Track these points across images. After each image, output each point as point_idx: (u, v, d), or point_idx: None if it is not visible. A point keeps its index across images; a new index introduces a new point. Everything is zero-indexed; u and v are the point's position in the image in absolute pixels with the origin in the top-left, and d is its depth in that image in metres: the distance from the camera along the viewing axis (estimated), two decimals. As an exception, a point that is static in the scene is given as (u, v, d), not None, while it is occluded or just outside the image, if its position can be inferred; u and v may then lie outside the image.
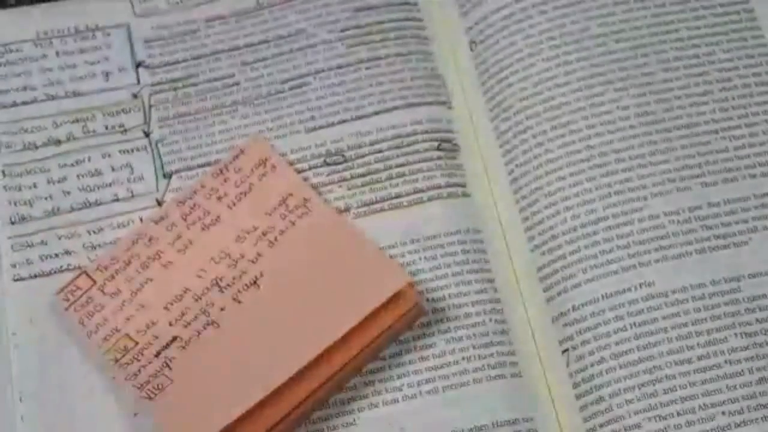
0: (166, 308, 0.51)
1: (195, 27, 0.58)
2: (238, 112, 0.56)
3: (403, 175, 0.54)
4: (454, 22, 0.59)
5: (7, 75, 0.57)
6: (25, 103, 0.56)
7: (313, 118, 0.56)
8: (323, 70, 0.57)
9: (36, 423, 0.50)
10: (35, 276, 0.52)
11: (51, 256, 0.53)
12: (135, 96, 0.57)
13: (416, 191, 0.54)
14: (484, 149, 0.56)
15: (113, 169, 0.55)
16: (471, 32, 0.58)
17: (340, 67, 0.57)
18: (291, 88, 0.57)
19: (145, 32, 0.58)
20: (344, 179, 0.54)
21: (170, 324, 0.50)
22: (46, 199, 0.54)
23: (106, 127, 0.56)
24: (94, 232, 0.53)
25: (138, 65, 0.57)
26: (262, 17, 0.58)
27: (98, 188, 0.54)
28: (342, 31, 0.58)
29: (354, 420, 0.49)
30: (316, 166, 0.55)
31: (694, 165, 0.53)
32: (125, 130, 0.56)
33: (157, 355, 0.49)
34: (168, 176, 0.55)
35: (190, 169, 0.55)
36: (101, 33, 0.58)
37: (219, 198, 0.53)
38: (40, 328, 0.51)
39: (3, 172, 0.55)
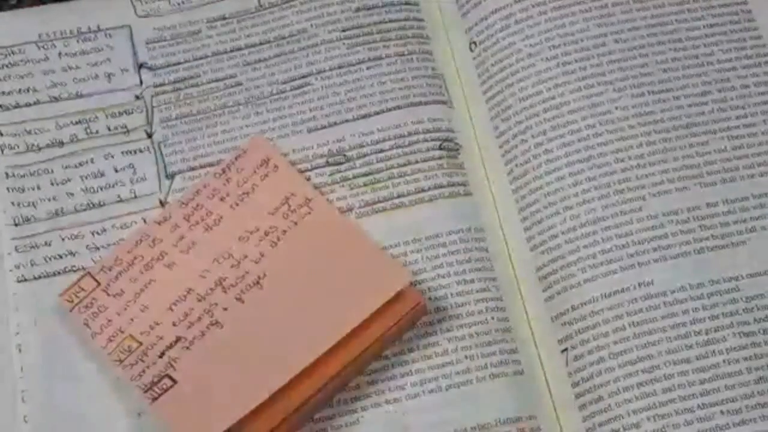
0: (169, 309, 0.51)
1: (197, 28, 0.58)
2: (240, 112, 0.56)
3: (404, 174, 0.55)
4: (454, 22, 0.59)
5: (10, 77, 0.57)
6: (28, 104, 0.56)
7: (314, 118, 0.56)
8: (324, 71, 0.57)
9: (39, 423, 0.50)
10: (39, 277, 0.53)
11: (55, 257, 0.53)
12: (137, 97, 0.57)
13: (418, 191, 0.54)
14: (483, 149, 0.56)
15: (116, 170, 0.55)
16: (471, 32, 0.58)
17: (341, 67, 0.57)
18: (293, 89, 0.57)
19: (147, 33, 0.58)
20: (346, 179, 0.55)
21: (174, 324, 0.50)
22: (49, 200, 0.54)
23: (109, 129, 0.56)
24: (98, 233, 0.54)
25: (140, 66, 0.57)
26: (263, 18, 0.58)
27: (101, 189, 0.55)
28: (343, 31, 0.58)
29: (357, 419, 0.50)
30: (318, 166, 0.55)
31: (693, 165, 0.53)
32: (128, 131, 0.56)
33: (161, 355, 0.50)
34: (171, 177, 0.55)
35: (192, 169, 0.55)
36: (103, 34, 0.58)
37: (221, 198, 0.53)
38: (44, 328, 0.52)
39: (6, 173, 0.55)
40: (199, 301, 0.51)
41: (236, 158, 0.54)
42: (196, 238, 0.53)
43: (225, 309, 0.50)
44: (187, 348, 0.50)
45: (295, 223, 0.53)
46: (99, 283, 0.52)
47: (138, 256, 0.52)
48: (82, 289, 0.52)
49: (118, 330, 0.50)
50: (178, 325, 0.50)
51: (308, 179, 0.54)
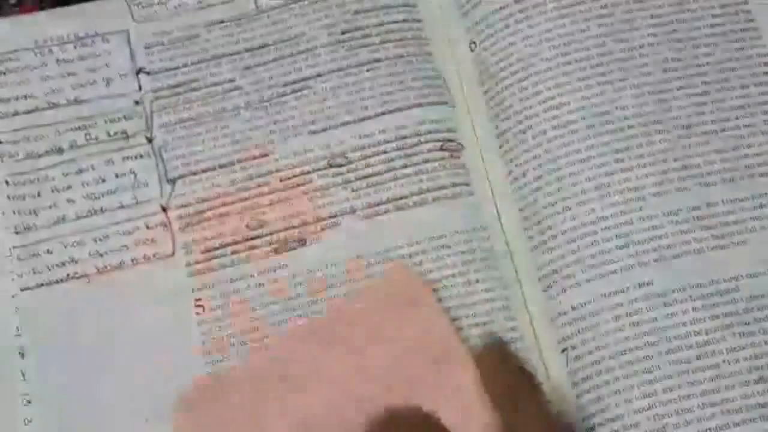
0: None
1: (195, 32, 0.58)
2: (240, 116, 0.56)
3: (407, 175, 0.55)
4: (454, 22, 0.59)
5: (8, 84, 0.57)
6: (26, 111, 0.56)
7: (315, 120, 0.56)
8: (324, 73, 0.57)
9: (40, 427, 0.50)
10: (42, 285, 0.53)
11: (57, 265, 0.53)
12: (137, 102, 0.57)
13: (420, 192, 0.54)
14: (484, 149, 0.56)
15: (117, 176, 0.55)
16: (471, 32, 0.58)
17: (340, 69, 0.57)
18: (293, 91, 0.57)
19: (145, 38, 0.58)
20: (348, 181, 0.55)
21: None
22: (50, 207, 0.54)
23: (109, 134, 0.56)
24: (100, 239, 0.54)
25: (139, 71, 0.57)
26: (261, 21, 0.58)
27: (102, 195, 0.55)
28: (342, 33, 0.58)
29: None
30: (319, 169, 0.55)
31: (693, 165, 0.53)
32: (128, 137, 0.56)
33: None
34: (172, 182, 0.55)
35: (194, 174, 0.55)
36: (100, 39, 0.58)
37: (356, 325, 0.51)
38: (46, 334, 0.52)
39: (6, 181, 0.55)
40: None
41: (377, 283, 0.52)
42: (324, 365, 0.50)
43: None
44: None
45: (431, 375, 0.49)
46: (220, 389, 0.50)
47: (264, 369, 0.50)
48: (202, 392, 0.50)
49: None
50: None
51: (311, 182, 0.55)
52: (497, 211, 0.55)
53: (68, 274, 0.53)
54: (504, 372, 0.48)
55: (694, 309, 0.50)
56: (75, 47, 0.58)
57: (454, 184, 0.55)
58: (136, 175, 0.55)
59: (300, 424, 0.49)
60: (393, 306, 0.51)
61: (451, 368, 0.49)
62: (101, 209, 0.54)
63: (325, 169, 0.55)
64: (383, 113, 0.56)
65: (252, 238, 0.54)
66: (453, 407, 0.47)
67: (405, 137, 0.55)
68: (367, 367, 0.49)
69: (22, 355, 0.52)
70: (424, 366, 0.49)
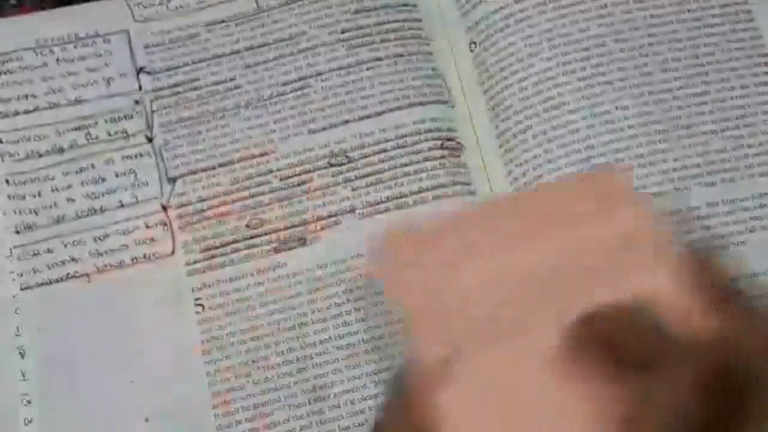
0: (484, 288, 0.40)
1: (195, 31, 0.58)
2: (240, 114, 0.56)
3: (407, 174, 0.55)
4: (453, 22, 0.58)
5: (8, 84, 0.57)
6: (27, 111, 0.56)
7: (315, 119, 0.56)
8: (324, 72, 0.57)
9: (40, 427, 0.50)
10: (42, 284, 0.53)
11: (57, 264, 0.53)
12: (137, 102, 0.57)
13: (421, 190, 0.54)
14: (484, 149, 0.56)
15: (117, 176, 0.55)
16: (471, 32, 0.58)
17: (341, 68, 0.57)
18: (293, 90, 0.57)
19: (145, 38, 0.58)
20: (348, 180, 0.55)
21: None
22: (50, 207, 0.54)
23: (109, 134, 0.56)
24: (100, 238, 0.54)
25: (139, 71, 0.57)
26: (262, 20, 0.58)
27: (103, 195, 0.55)
28: (342, 32, 0.58)
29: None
30: (320, 168, 0.55)
31: (693, 165, 0.53)
32: (128, 136, 0.56)
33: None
34: (172, 181, 0.55)
35: (193, 173, 0.55)
36: (101, 40, 0.58)
37: (562, 207, 0.43)
38: (48, 335, 0.52)
39: (7, 181, 0.55)
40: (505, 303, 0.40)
41: (580, 180, 0.46)
42: (526, 237, 0.42)
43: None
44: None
45: (641, 270, 0.41)
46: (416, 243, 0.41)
47: (466, 224, 0.42)
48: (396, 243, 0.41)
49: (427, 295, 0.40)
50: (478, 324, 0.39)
51: (311, 180, 0.55)
52: (497, 211, 0.55)
53: (68, 274, 0.53)
54: (715, 279, 0.45)
55: (693, 309, 0.50)
56: (75, 47, 0.58)
57: (454, 183, 0.55)
58: (136, 175, 0.55)
59: (494, 281, 0.41)
60: (602, 198, 0.43)
61: (660, 270, 0.44)
62: (101, 208, 0.54)
63: (325, 168, 0.55)
64: (383, 112, 0.56)
65: (252, 237, 0.54)
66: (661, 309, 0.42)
67: (405, 136, 0.55)
68: (569, 249, 0.42)
69: (22, 355, 0.52)
70: (630, 263, 0.41)
